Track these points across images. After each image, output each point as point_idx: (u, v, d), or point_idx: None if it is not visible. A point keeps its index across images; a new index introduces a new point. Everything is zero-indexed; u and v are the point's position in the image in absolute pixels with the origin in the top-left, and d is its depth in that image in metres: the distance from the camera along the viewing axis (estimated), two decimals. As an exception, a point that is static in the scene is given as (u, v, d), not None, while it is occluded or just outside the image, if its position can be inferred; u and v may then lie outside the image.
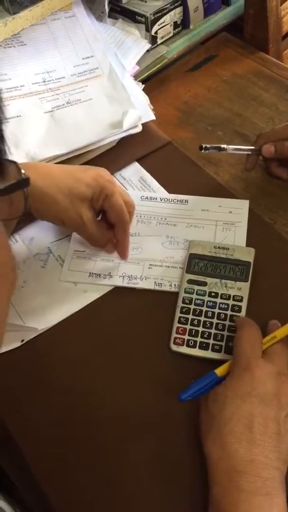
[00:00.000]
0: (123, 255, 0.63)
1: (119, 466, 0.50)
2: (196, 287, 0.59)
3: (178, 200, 0.68)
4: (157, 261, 0.63)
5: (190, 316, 0.57)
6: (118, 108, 0.72)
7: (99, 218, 0.62)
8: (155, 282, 0.61)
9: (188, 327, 0.57)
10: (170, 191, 0.69)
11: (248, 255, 0.60)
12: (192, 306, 0.58)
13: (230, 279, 0.59)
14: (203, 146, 0.65)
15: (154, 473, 0.50)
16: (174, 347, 0.56)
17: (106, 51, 0.78)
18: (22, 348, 0.58)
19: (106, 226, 0.62)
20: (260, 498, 0.43)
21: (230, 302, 0.58)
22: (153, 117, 0.74)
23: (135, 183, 0.71)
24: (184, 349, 0.56)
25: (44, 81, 0.75)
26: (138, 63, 0.81)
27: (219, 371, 0.51)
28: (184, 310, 0.58)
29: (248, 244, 0.63)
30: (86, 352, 0.58)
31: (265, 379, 0.48)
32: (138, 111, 0.71)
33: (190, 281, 0.59)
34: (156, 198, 0.68)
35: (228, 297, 0.58)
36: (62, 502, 0.49)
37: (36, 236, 0.67)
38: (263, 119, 0.77)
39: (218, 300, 0.58)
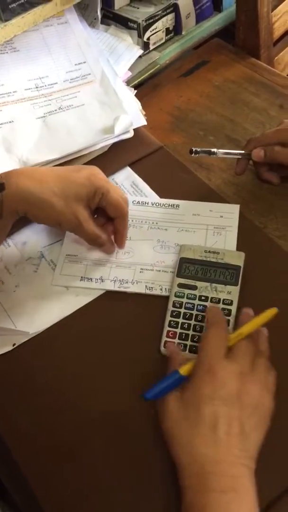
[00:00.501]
0: (121, 244, 0.64)
1: (106, 468, 0.51)
2: (186, 291, 0.59)
3: (169, 205, 0.68)
4: (148, 265, 0.63)
5: (181, 320, 0.58)
6: (109, 113, 0.72)
7: (95, 216, 0.63)
8: (146, 286, 0.62)
9: (178, 330, 0.57)
10: (161, 196, 0.70)
11: (238, 259, 0.61)
12: (183, 310, 0.58)
13: (220, 283, 0.59)
14: (193, 150, 0.66)
15: (140, 476, 0.50)
16: (164, 351, 0.56)
17: (99, 57, 0.79)
18: (13, 352, 0.58)
19: (104, 221, 0.64)
20: (229, 496, 0.44)
21: (220, 305, 0.58)
22: (145, 123, 0.74)
23: (127, 188, 0.71)
24: None
25: (37, 87, 0.75)
26: (131, 69, 0.82)
27: (183, 370, 0.50)
28: (174, 314, 0.58)
29: (239, 248, 0.63)
30: (78, 355, 0.58)
31: (227, 380, 0.48)
32: (130, 116, 0.72)
33: (181, 285, 0.60)
34: (147, 203, 0.69)
35: (218, 301, 0.58)
36: (50, 500, 0.50)
37: (29, 240, 0.67)
38: (254, 124, 0.78)
39: (208, 303, 0.58)
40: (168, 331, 0.57)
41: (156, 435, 0.50)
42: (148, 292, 0.61)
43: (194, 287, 0.59)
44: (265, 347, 0.53)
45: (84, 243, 0.64)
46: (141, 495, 0.50)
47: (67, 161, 0.70)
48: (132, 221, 0.67)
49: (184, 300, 0.59)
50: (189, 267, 0.61)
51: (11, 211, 0.58)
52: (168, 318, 0.58)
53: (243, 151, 0.68)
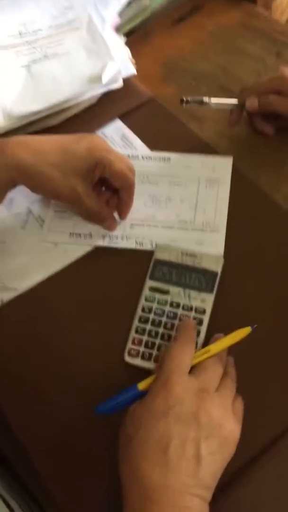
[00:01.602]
0: (124, 216, 0.62)
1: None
2: (157, 296, 0.55)
3: (160, 158, 0.66)
4: (139, 220, 0.62)
5: (148, 327, 0.54)
6: (97, 61, 0.69)
7: (103, 188, 0.61)
8: (136, 241, 0.60)
9: (145, 338, 0.53)
10: (152, 149, 0.67)
11: (216, 265, 0.56)
12: (152, 316, 0.54)
13: (194, 289, 0.55)
14: (184, 99, 0.63)
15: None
16: (128, 359, 0.53)
17: (86, 2, 0.75)
18: (1, 308, 0.58)
19: (110, 195, 0.61)
20: None
21: (192, 314, 0.54)
22: (134, 71, 0.71)
23: (117, 141, 0.69)
24: (138, 362, 0.52)
25: (20, 34, 0.72)
26: (120, 15, 0.78)
27: (142, 385, 0.47)
28: (142, 320, 0.54)
29: (231, 201, 0.61)
30: (66, 311, 0.57)
31: (184, 397, 0.43)
32: (118, 64, 0.68)
33: (152, 289, 0.56)
34: (138, 156, 0.66)
35: (190, 309, 0.54)
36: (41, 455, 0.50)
37: (16, 196, 0.65)
38: (249, 73, 0.75)
39: (179, 311, 0.54)
40: (134, 338, 0.53)
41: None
42: (138, 247, 0.60)
43: (167, 292, 0.55)
44: (232, 370, 0.49)
45: None
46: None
47: (55, 113, 0.67)
48: None
49: (154, 305, 0.55)
50: (163, 270, 0.57)
51: (7, 181, 0.56)
52: (136, 324, 0.54)
53: (236, 101, 0.65)
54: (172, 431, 0.42)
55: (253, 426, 0.47)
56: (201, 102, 0.64)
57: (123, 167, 0.57)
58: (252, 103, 0.63)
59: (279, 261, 0.58)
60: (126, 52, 0.72)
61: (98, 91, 0.68)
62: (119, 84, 0.69)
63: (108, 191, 0.61)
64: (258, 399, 0.50)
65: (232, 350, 0.50)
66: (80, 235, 0.61)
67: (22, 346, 0.56)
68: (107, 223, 0.61)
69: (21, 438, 0.51)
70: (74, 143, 0.57)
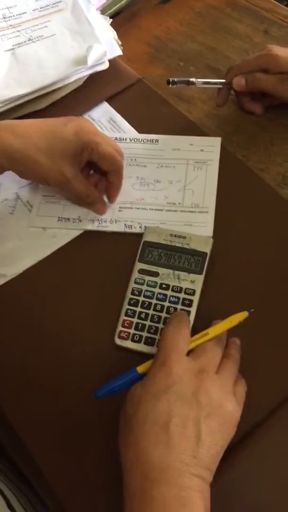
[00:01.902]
0: (113, 199, 0.61)
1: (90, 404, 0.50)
2: (147, 278, 0.55)
3: (148, 140, 0.66)
4: (127, 203, 0.61)
5: (138, 309, 0.54)
6: (82, 43, 0.68)
7: (91, 171, 0.61)
8: (125, 224, 0.60)
9: (135, 320, 0.53)
10: (140, 131, 0.67)
11: (205, 245, 0.56)
12: (141, 298, 0.54)
13: (183, 270, 0.55)
14: (171, 80, 0.63)
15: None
16: (118, 341, 0.53)
17: (70, -17, 0.74)
18: (-9, 295, 0.58)
19: (98, 178, 0.61)
20: (173, 511, 0.39)
21: (181, 295, 0.54)
22: (120, 52, 0.70)
23: (104, 124, 0.68)
24: (129, 344, 0.52)
25: (4, 18, 0.71)
26: (106, -4, 0.77)
27: (141, 368, 0.47)
28: (132, 302, 0.54)
29: (220, 182, 0.61)
30: (56, 295, 0.57)
31: (184, 376, 0.43)
32: (104, 45, 0.67)
33: (142, 271, 0.55)
34: (125, 139, 0.66)
35: (180, 290, 0.54)
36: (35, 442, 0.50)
37: (4, 182, 0.65)
38: (237, 52, 0.74)
39: (169, 292, 0.54)
40: (124, 320, 0.53)
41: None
42: (127, 230, 0.59)
43: (156, 274, 0.55)
44: (235, 353, 0.48)
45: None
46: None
47: (41, 96, 0.66)
48: None
49: (144, 287, 0.55)
50: (153, 252, 0.56)
51: None
52: (126, 306, 0.54)
53: (223, 80, 0.65)
54: (172, 410, 0.41)
55: (252, 397, 0.48)
56: (188, 83, 0.64)
57: (110, 150, 0.57)
58: (239, 82, 0.63)
59: (269, 241, 0.58)
60: (111, 34, 0.71)
61: (84, 73, 0.67)
62: (105, 65, 0.68)
63: (97, 174, 0.61)
64: (253, 372, 0.50)
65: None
66: (69, 219, 0.61)
67: (12, 331, 0.56)
68: (97, 207, 0.60)
69: (16, 426, 0.51)
70: (61, 126, 0.56)
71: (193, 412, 0.42)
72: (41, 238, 0.60)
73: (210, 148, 0.64)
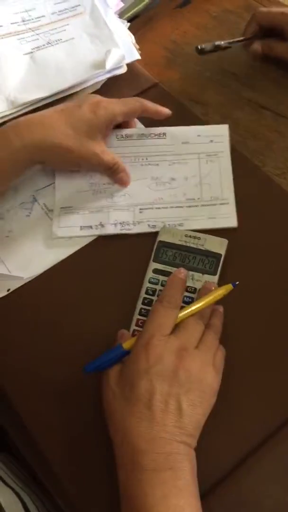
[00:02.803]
0: (165, 113, 0.64)
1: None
2: (161, 278, 0.56)
3: (155, 134, 0.65)
4: (147, 204, 0.61)
5: None
6: (100, 47, 0.68)
7: None
8: (148, 224, 0.60)
9: None
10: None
11: (219, 247, 0.56)
12: (155, 298, 0.55)
13: (198, 271, 0.56)
14: (199, 47, 0.70)
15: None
16: None
17: (89, -13, 0.74)
18: (8, 297, 0.58)
19: None
20: (163, 474, 0.42)
21: (195, 296, 0.54)
22: (138, 57, 0.70)
23: (121, 128, 0.68)
24: None
25: (23, 21, 0.71)
26: (123, 1, 0.77)
27: (126, 344, 0.49)
28: (146, 302, 0.55)
29: (236, 186, 0.61)
30: (73, 300, 0.57)
31: (163, 355, 0.46)
32: (122, 49, 0.68)
33: (156, 271, 0.56)
34: (132, 135, 0.66)
35: (194, 291, 0.55)
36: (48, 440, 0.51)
37: (20, 184, 0.65)
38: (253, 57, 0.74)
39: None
40: (138, 320, 0.54)
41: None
42: (151, 230, 0.60)
43: (170, 274, 0.55)
44: (217, 322, 0.51)
45: (76, 194, 0.63)
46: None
47: (59, 100, 0.67)
48: (121, 159, 0.63)
49: (158, 287, 0.55)
50: (167, 252, 0.57)
51: (25, 161, 0.58)
52: (139, 305, 0.55)
53: (243, 38, 0.71)
54: (154, 388, 0.45)
55: (266, 405, 0.48)
56: (215, 48, 0.70)
57: (127, 108, 0.61)
58: (255, 49, 0.70)
59: (281, 241, 0.58)
60: (130, 38, 0.71)
61: (102, 77, 0.67)
62: (123, 69, 0.69)
63: None
64: (267, 379, 0.50)
65: (235, 335, 0.51)
66: (91, 226, 0.61)
67: (29, 332, 0.56)
68: (120, 175, 0.62)
69: (29, 426, 0.52)
70: (77, 109, 0.59)
71: (174, 388, 0.45)
72: (58, 241, 0.61)
73: (218, 138, 0.64)
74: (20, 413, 0.52)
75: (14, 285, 0.58)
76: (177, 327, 0.49)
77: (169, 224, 0.59)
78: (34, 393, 0.53)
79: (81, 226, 0.61)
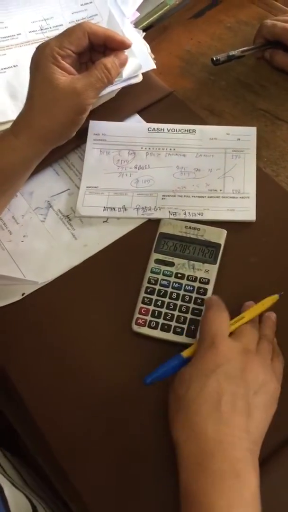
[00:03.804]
0: (127, 44, 0.61)
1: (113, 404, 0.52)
2: (163, 267, 0.57)
3: (185, 130, 0.67)
4: (170, 192, 0.63)
5: (154, 297, 0.56)
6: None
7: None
8: (169, 211, 0.61)
9: (151, 308, 0.56)
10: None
11: (219, 237, 0.59)
12: (157, 287, 0.57)
13: (198, 260, 0.58)
14: (215, 58, 0.72)
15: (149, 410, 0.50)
16: (135, 328, 0.55)
17: (106, -3, 0.75)
18: (22, 301, 0.59)
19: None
20: (230, 482, 0.41)
21: (196, 284, 0.56)
22: (154, 66, 0.71)
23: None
24: (145, 330, 0.55)
25: (42, 29, 0.72)
26: (139, 9, 0.78)
27: (186, 353, 0.50)
28: (148, 291, 0.57)
29: (258, 174, 0.63)
30: (86, 305, 0.58)
31: (231, 355, 0.46)
32: (138, 59, 0.69)
33: (158, 261, 0.58)
34: (163, 129, 0.67)
35: (195, 279, 0.57)
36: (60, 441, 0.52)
37: (36, 190, 0.66)
38: (267, 67, 0.75)
39: (184, 281, 0.57)
40: (141, 308, 0.56)
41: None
42: (171, 217, 0.61)
43: (171, 264, 0.58)
44: (270, 331, 0.51)
45: (102, 174, 0.64)
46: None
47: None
48: (149, 149, 0.66)
49: (160, 276, 0.57)
50: (168, 243, 0.59)
51: (34, 157, 0.60)
52: (142, 294, 0.57)
53: (253, 46, 0.73)
54: (222, 387, 0.44)
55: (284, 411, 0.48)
56: (230, 57, 0.72)
57: (67, 31, 0.58)
58: (266, 58, 0.74)
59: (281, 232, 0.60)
60: (145, 48, 0.72)
61: (118, 86, 0.68)
62: (138, 79, 0.70)
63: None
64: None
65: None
66: (114, 208, 0.62)
67: (42, 337, 0.57)
68: (112, 66, 0.59)
69: (42, 429, 0.52)
70: (31, 76, 0.58)
71: (242, 389, 0.44)
72: (72, 246, 0.62)
73: (246, 137, 0.66)
74: (34, 417, 0.53)
75: (29, 289, 0.59)
76: (234, 334, 0.49)
77: (189, 213, 0.61)
78: (48, 396, 0.54)
79: (104, 207, 0.62)
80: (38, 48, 0.58)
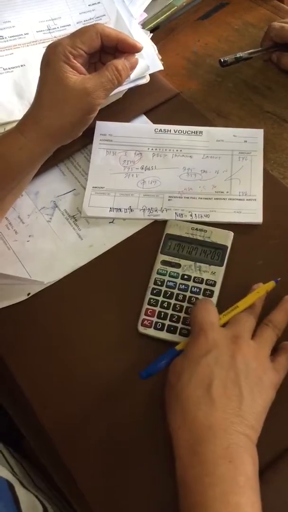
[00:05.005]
0: (138, 48, 0.62)
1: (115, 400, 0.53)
2: (169, 269, 0.57)
3: (192, 132, 0.67)
4: (176, 193, 0.63)
5: (161, 298, 0.56)
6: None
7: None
8: (176, 213, 0.61)
9: (157, 309, 0.56)
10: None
11: (225, 239, 0.59)
12: (164, 288, 0.57)
13: (204, 262, 0.57)
14: (222, 60, 0.71)
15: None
16: (141, 329, 0.55)
17: (113, -3, 0.75)
18: (28, 301, 0.59)
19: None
20: (223, 468, 0.40)
21: (203, 286, 0.56)
22: (161, 67, 0.71)
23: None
24: (151, 332, 0.55)
25: (49, 29, 0.72)
26: (146, 10, 0.78)
27: (179, 346, 0.51)
28: (155, 292, 0.56)
29: (265, 175, 0.63)
30: (92, 305, 0.58)
31: (220, 341, 0.46)
32: (146, 61, 0.69)
33: (164, 262, 0.58)
34: (170, 130, 0.67)
35: (201, 281, 0.56)
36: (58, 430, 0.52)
37: (41, 190, 0.66)
38: (275, 69, 0.75)
39: (191, 283, 0.56)
40: (147, 309, 0.56)
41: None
42: (178, 218, 0.61)
43: (178, 265, 0.58)
44: (277, 318, 0.51)
45: (109, 175, 0.64)
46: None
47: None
48: (156, 149, 0.66)
49: (166, 278, 0.57)
50: (174, 244, 0.59)
51: (41, 154, 0.59)
52: (148, 295, 0.56)
53: (260, 48, 0.73)
54: (212, 372, 0.44)
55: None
56: (237, 59, 0.72)
57: (81, 31, 0.58)
58: (273, 60, 0.74)
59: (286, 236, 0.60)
60: (153, 49, 0.72)
61: (125, 86, 0.68)
62: (146, 79, 0.69)
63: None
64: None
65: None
66: (120, 209, 0.62)
67: (47, 336, 0.57)
68: (123, 68, 0.60)
69: (48, 431, 0.52)
70: (42, 71, 0.58)
71: (233, 374, 0.44)
72: (78, 247, 0.61)
73: (253, 139, 0.66)
74: (39, 418, 0.53)
75: (35, 289, 0.59)
76: (228, 323, 0.50)
77: (195, 214, 0.60)
78: (53, 396, 0.53)
79: (110, 208, 0.62)
80: (50, 46, 0.58)
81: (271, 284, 0.53)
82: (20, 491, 0.44)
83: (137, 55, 0.65)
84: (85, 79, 0.57)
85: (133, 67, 0.63)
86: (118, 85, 0.60)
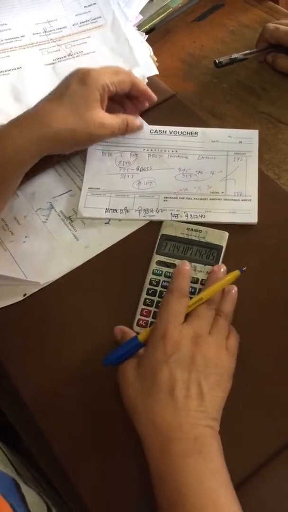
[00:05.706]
0: (153, 100, 0.67)
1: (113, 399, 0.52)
2: (164, 269, 0.58)
3: (187, 132, 0.67)
4: (172, 194, 0.63)
5: (156, 298, 0.56)
6: (121, 64, 0.69)
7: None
8: (171, 213, 0.62)
9: (153, 309, 0.56)
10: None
11: (220, 239, 0.59)
12: (159, 288, 0.57)
13: (199, 262, 0.58)
14: (217, 61, 0.72)
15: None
16: (137, 329, 0.55)
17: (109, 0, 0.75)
18: (24, 302, 0.59)
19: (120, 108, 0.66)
20: (193, 458, 0.43)
21: (198, 286, 0.56)
22: (156, 72, 0.71)
23: (138, 138, 0.70)
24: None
25: (45, 31, 0.73)
26: (142, 12, 0.78)
27: (142, 336, 0.51)
28: (150, 292, 0.57)
29: (260, 175, 0.63)
30: (88, 305, 0.58)
31: (180, 343, 0.48)
32: (142, 68, 0.69)
33: (159, 263, 0.58)
34: (165, 131, 0.68)
35: (196, 281, 0.57)
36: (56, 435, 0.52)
37: (38, 191, 0.66)
38: (270, 70, 0.75)
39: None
40: (143, 309, 0.56)
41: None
42: (174, 219, 0.61)
43: (173, 265, 0.58)
44: (228, 307, 0.53)
45: (105, 176, 0.65)
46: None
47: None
48: (151, 150, 0.66)
49: (162, 278, 0.57)
50: (170, 245, 0.59)
51: (32, 156, 0.58)
52: (144, 296, 0.57)
53: (256, 49, 0.74)
54: (174, 375, 0.47)
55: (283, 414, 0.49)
56: (232, 60, 0.73)
57: (120, 78, 0.61)
58: (268, 61, 0.74)
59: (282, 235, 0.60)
60: (148, 51, 0.72)
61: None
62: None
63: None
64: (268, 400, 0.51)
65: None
66: (116, 210, 0.63)
67: (44, 338, 0.57)
68: (131, 125, 0.64)
69: (43, 429, 0.52)
70: (65, 89, 0.59)
71: (193, 374, 0.47)
72: (74, 248, 0.62)
73: (248, 140, 0.66)
74: (35, 417, 0.53)
75: (30, 290, 0.59)
76: (189, 316, 0.51)
77: (191, 215, 0.61)
78: (49, 396, 0.54)
79: (106, 209, 0.63)
80: (94, 70, 0.60)
81: (236, 274, 0.53)
82: (24, 489, 0.44)
83: (133, 64, 0.67)
84: (105, 115, 0.60)
85: (138, 128, 0.66)
86: (121, 135, 0.64)
